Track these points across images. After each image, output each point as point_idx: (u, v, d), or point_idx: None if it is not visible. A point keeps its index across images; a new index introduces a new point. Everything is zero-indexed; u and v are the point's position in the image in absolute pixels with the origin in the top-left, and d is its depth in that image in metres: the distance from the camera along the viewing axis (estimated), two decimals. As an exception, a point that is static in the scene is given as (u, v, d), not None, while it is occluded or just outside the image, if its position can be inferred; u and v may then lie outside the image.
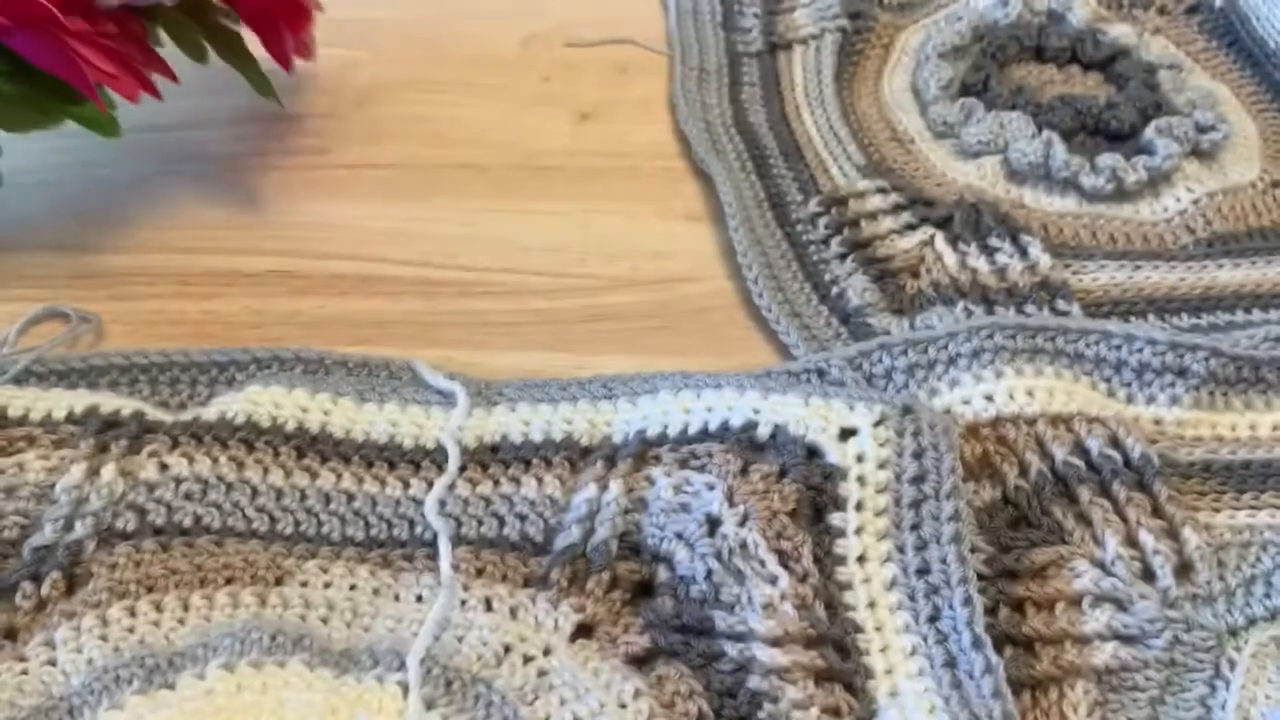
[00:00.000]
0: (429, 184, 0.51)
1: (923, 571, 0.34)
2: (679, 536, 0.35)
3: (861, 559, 0.34)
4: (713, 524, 0.35)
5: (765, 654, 0.32)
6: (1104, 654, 0.34)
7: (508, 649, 0.33)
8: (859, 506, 0.35)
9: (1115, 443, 0.38)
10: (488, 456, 0.38)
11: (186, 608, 0.34)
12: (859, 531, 0.35)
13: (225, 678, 0.32)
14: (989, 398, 0.39)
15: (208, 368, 0.41)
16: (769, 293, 0.45)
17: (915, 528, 0.35)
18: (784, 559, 0.34)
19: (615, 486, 0.36)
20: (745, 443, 0.37)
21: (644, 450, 0.38)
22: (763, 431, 0.37)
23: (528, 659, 0.33)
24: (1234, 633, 0.35)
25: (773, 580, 0.34)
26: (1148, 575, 0.36)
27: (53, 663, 0.32)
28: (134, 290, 0.45)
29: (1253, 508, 0.38)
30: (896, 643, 0.33)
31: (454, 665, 0.33)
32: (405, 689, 0.32)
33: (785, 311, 0.44)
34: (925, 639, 0.33)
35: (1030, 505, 0.38)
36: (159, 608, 0.34)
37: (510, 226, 0.48)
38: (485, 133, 0.54)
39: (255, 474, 0.37)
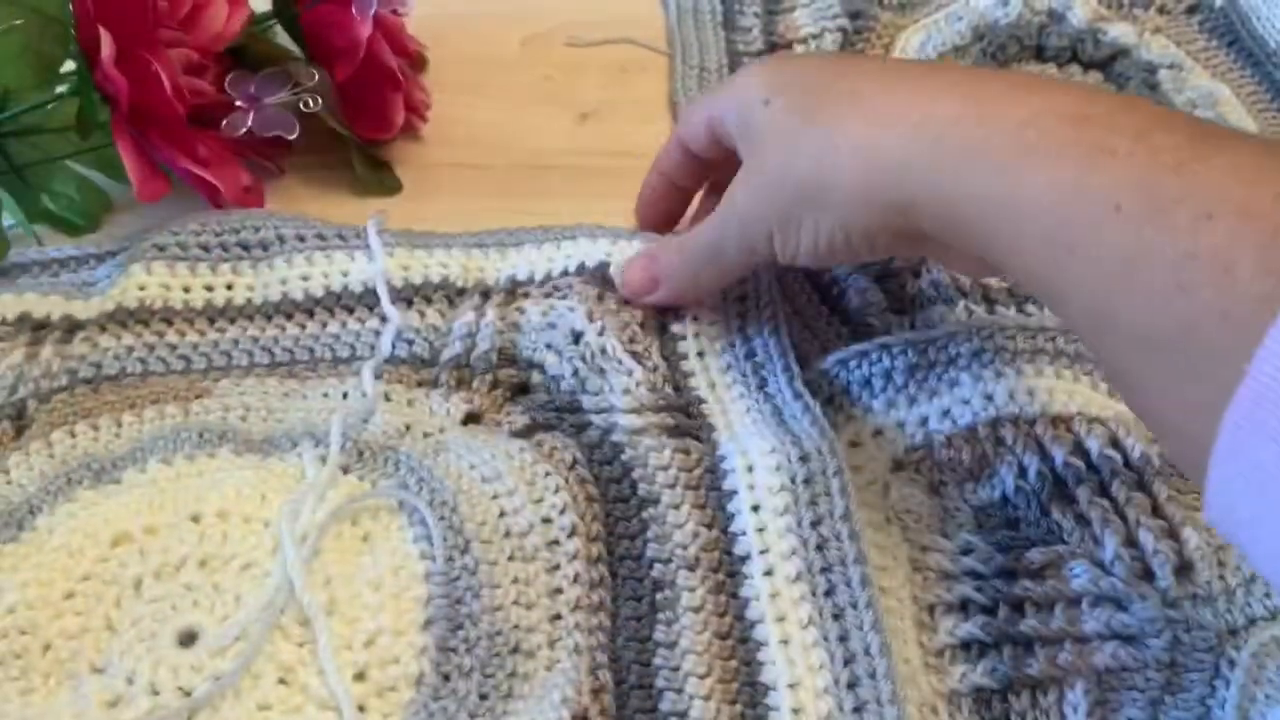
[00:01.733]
0: (429, 183, 0.51)
1: (750, 355, 0.41)
2: (548, 347, 0.41)
3: (700, 354, 0.42)
4: (576, 336, 0.41)
5: (625, 420, 0.39)
6: (1104, 654, 0.34)
7: (408, 427, 0.39)
8: (695, 319, 0.42)
9: (1115, 443, 0.38)
10: (371, 299, 0.43)
11: (119, 425, 0.38)
12: (696, 335, 0.42)
13: (164, 469, 0.36)
14: (989, 398, 0.39)
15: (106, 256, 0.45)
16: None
17: (741, 327, 0.42)
18: (637, 357, 0.40)
19: (492, 312, 0.42)
20: (599, 278, 0.43)
21: (515, 288, 0.44)
22: (614, 270, 0.43)
23: (426, 434, 0.39)
24: (1234, 632, 0.35)
25: (629, 372, 0.40)
26: (1147, 575, 0.36)
27: (8, 482, 0.36)
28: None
29: (1253, 507, 0.38)
30: (732, 406, 0.40)
31: (362, 440, 0.38)
32: (324, 459, 0.37)
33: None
34: (756, 401, 0.40)
35: (1029, 506, 0.38)
36: (95, 427, 0.38)
37: (510, 226, 0.48)
38: (485, 133, 0.54)
39: (174, 337, 0.42)
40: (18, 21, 0.42)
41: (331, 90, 0.50)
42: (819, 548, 0.35)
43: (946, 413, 0.40)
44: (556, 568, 0.35)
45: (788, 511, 0.36)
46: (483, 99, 0.56)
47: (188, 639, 0.32)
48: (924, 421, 0.40)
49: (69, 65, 0.44)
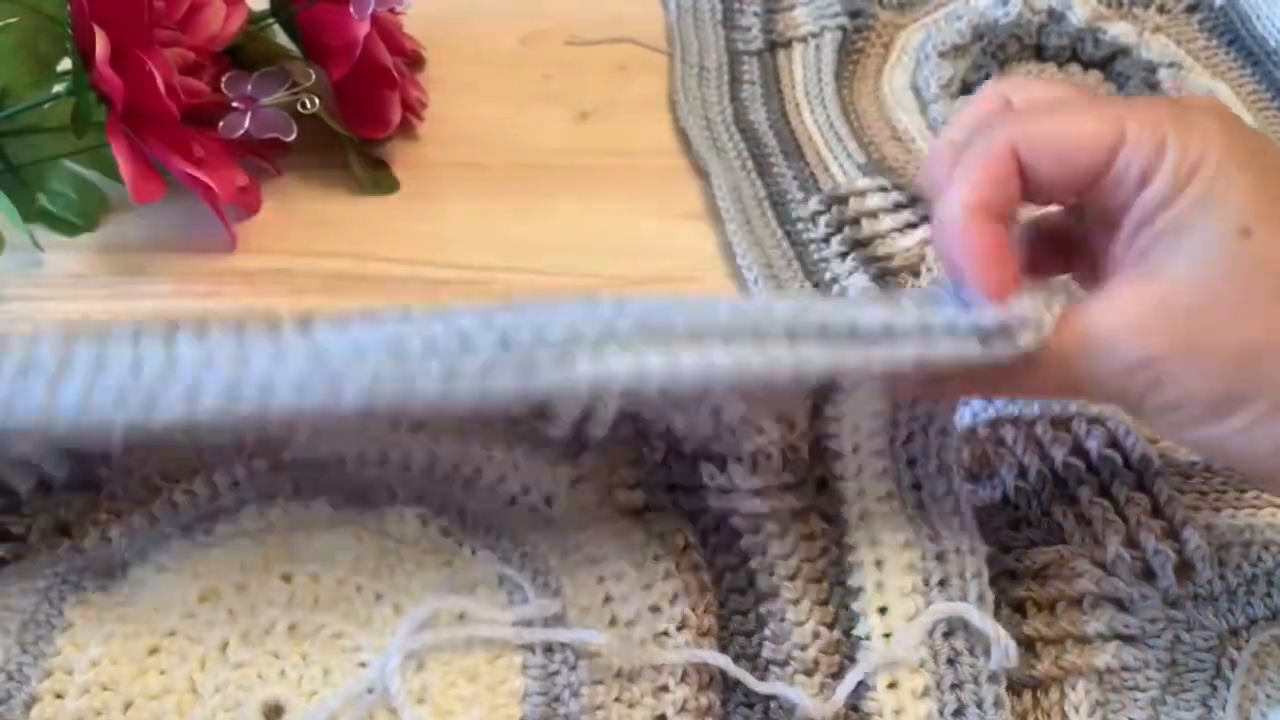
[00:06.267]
0: (428, 183, 0.51)
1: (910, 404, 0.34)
2: (677, 406, 0.34)
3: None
4: (715, 410, 0.34)
5: (747, 504, 0.34)
6: (1105, 654, 0.34)
7: (513, 500, 0.35)
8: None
9: (1115, 443, 0.38)
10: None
11: (215, 488, 0.35)
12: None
13: (258, 519, 0.34)
14: (989, 398, 0.39)
15: None
16: (769, 292, 0.45)
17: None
18: (779, 417, 0.34)
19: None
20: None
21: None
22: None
23: (533, 509, 0.35)
24: (1235, 632, 0.35)
25: (761, 430, 0.34)
26: (1148, 575, 0.36)
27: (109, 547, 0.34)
28: (131, 290, 0.45)
29: (1253, 507, 0.38)
30: (869, 465, 0.34)
31: (467, 506, 0.35)
32: (423, 520, 0.34)
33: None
34: (899, 463, 0.34)
35: (1030, 506, 0.37)
36: (191, 493, 0.35)
37: (510, 225, 0.48)
38: (484, 131, 0.54)
39: None
40: (14, 19, 0.41)
41: (329, 89, 0.50)
42: (950, 662, 0.32)
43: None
44: (663, 664, 0.32)
45: (918, 618, 0.33)
46: (482, 98, 0.56)
47: (273, 713, 0.31)
48: (924, 421, 0.40)
49: (66, 64, 0.43)
